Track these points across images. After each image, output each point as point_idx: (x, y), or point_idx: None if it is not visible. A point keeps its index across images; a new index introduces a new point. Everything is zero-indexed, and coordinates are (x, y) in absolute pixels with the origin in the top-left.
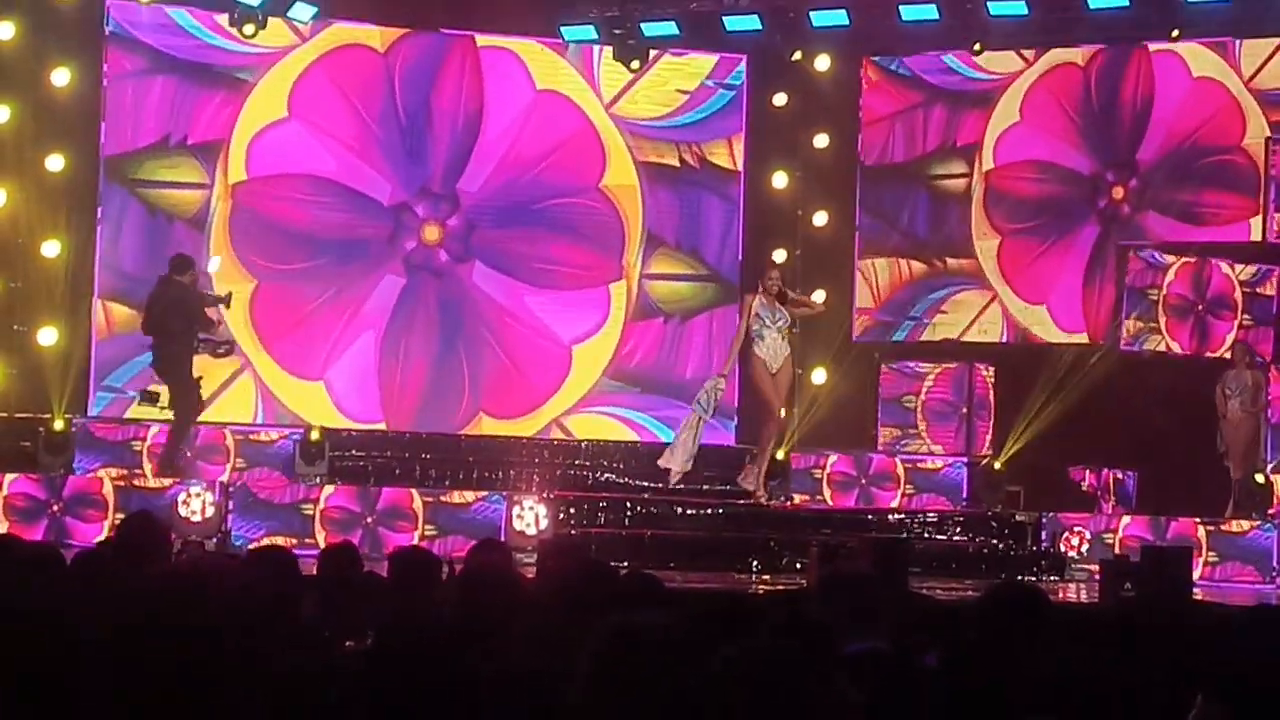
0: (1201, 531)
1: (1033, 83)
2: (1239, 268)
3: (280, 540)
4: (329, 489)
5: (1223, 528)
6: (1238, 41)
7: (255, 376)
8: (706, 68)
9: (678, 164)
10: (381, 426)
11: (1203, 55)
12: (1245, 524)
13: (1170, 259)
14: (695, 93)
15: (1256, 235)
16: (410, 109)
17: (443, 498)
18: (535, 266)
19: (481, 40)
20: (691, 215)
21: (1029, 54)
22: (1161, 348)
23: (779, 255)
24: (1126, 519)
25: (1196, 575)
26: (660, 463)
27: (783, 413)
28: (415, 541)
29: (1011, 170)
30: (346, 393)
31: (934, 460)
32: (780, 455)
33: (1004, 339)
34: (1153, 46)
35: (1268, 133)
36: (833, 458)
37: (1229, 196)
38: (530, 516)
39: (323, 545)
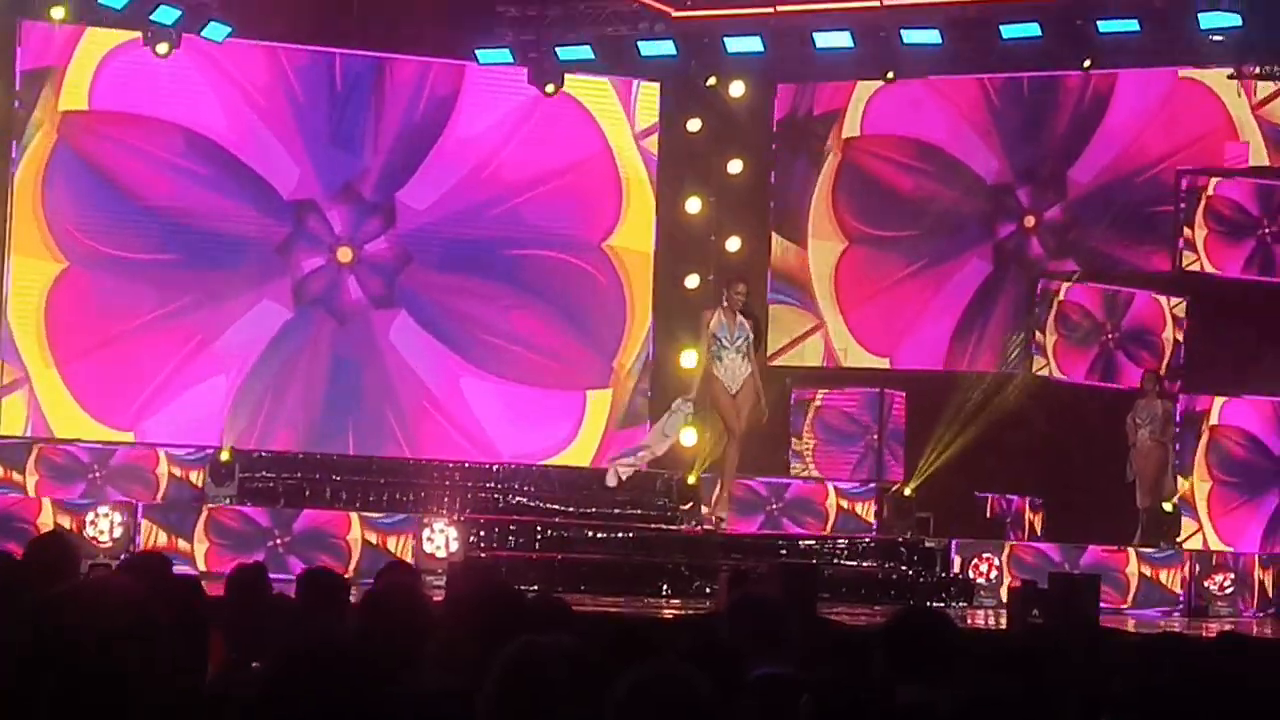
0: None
1: None
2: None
3: None
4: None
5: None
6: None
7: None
8: None
9: None
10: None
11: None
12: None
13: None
14: None
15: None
16: (350, 80)
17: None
18: (484, 339)
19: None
20: None
21: None
22: (1044, 372)
23: (691, 280)
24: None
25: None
26: (611, 476)
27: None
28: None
29: (882, 146)
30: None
31: (847, 486)
32: (691, 480)
33: (825, 363)
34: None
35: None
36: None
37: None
38: (440, 539)
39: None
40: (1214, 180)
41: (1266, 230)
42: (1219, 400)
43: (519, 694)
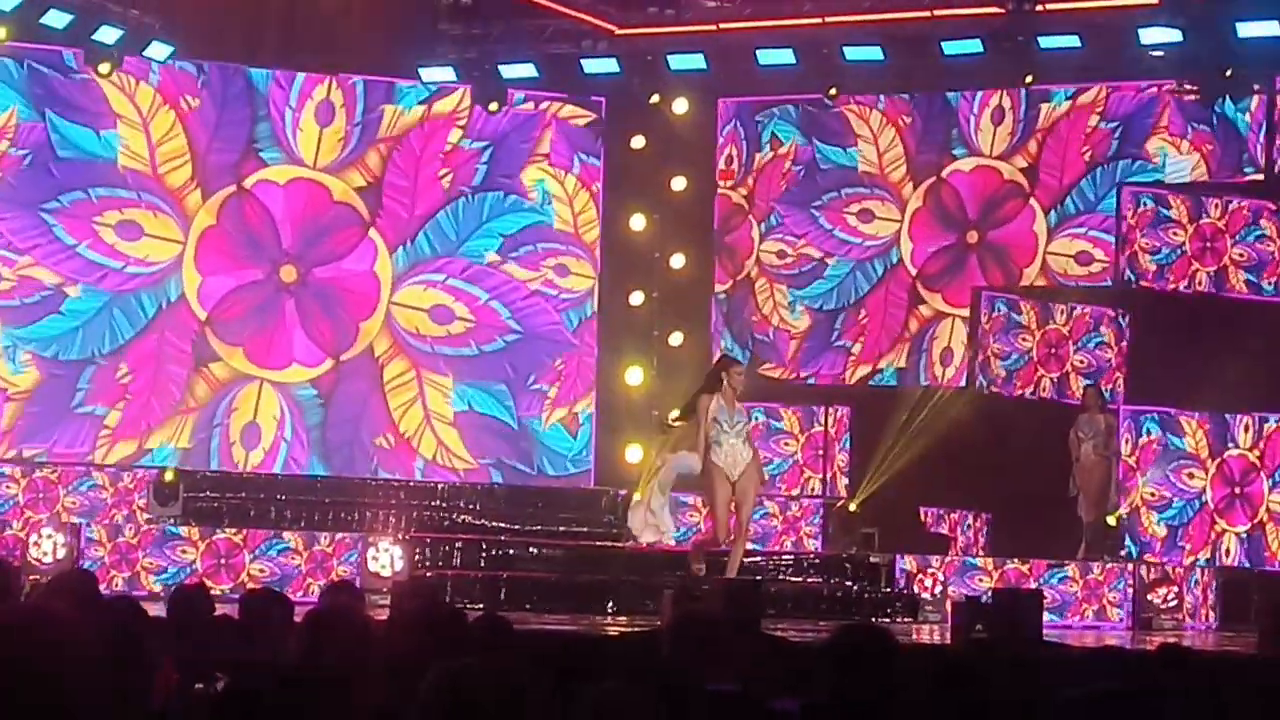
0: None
1: (910, 220)
2: (1059, 315)
3: None
4: None
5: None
6: (972, 136)
7: None
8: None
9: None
10: (260, 452)
11: (969, 161)
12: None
13: (1026, 344)
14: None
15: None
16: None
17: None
18: (335, 251)
19: (248, 183)
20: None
21: (896, 216)
22: (1048, 389)
23: (636, 297)
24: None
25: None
26: (641, 536)
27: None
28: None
29: (928, 261)
30: None
31: (796, 504)
32: (637, 496)
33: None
34: (945, 172)
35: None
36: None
37: (1013, 202)
38: (386, 558)
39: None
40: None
41: (1205, 245)
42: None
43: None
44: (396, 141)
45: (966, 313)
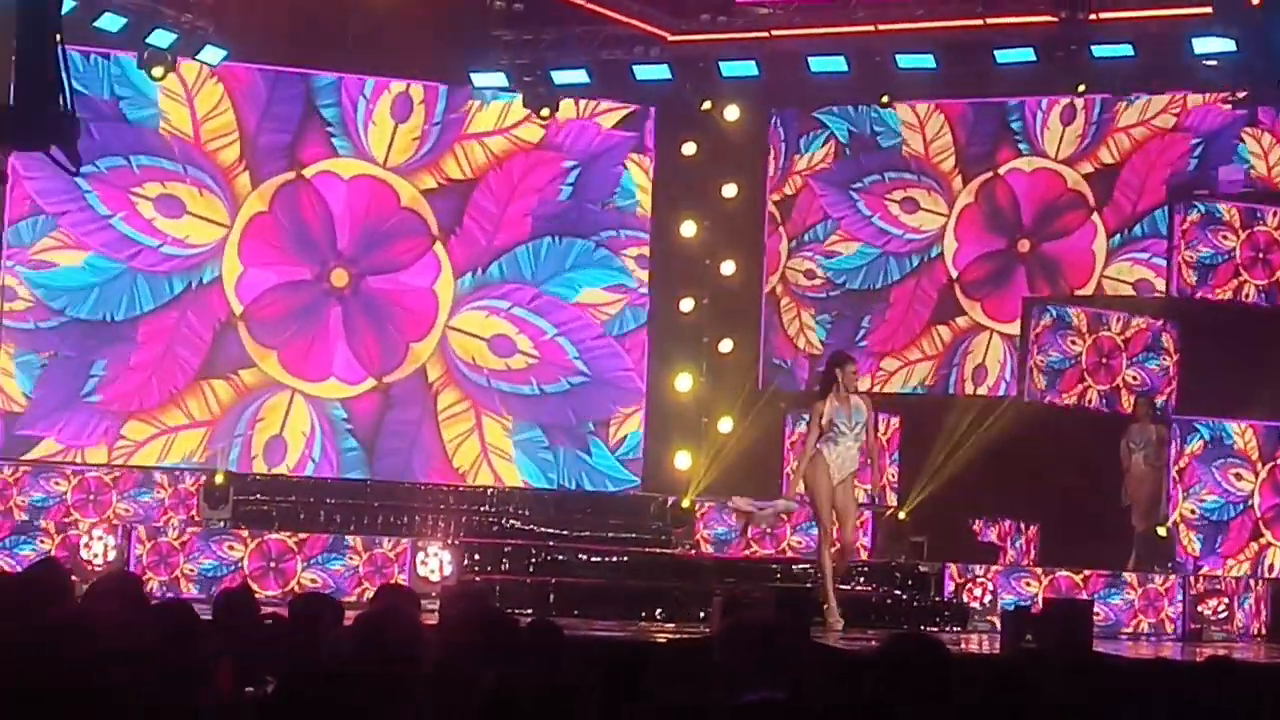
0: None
1: (955, 221)
2: (1114, 323)
3: None
4: None
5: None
6: (1039, 137)
7: None
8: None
9: (435, 185)
10: (284, 470)
11: (1027, 160)
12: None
13: (1077, 348)
14: (420, 136)
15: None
16: (299, 222)
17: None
18: (394, 261)
19: (308, 173)
20: (458, 203)
21: (944, 211)
22: (1095, 400)
23: (686, 304)
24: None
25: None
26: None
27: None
28: None
29: (967, 269)
30: None
31: None
32: (685, 503)
33: (1003, 374)
34: (1003, 170)
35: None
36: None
37: (1073, 214)
38: (435, 563)
39: None
40: (1203, 204)
41: (1258, 254)
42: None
43: None
44: (498, 162)
45: (1006, 328)
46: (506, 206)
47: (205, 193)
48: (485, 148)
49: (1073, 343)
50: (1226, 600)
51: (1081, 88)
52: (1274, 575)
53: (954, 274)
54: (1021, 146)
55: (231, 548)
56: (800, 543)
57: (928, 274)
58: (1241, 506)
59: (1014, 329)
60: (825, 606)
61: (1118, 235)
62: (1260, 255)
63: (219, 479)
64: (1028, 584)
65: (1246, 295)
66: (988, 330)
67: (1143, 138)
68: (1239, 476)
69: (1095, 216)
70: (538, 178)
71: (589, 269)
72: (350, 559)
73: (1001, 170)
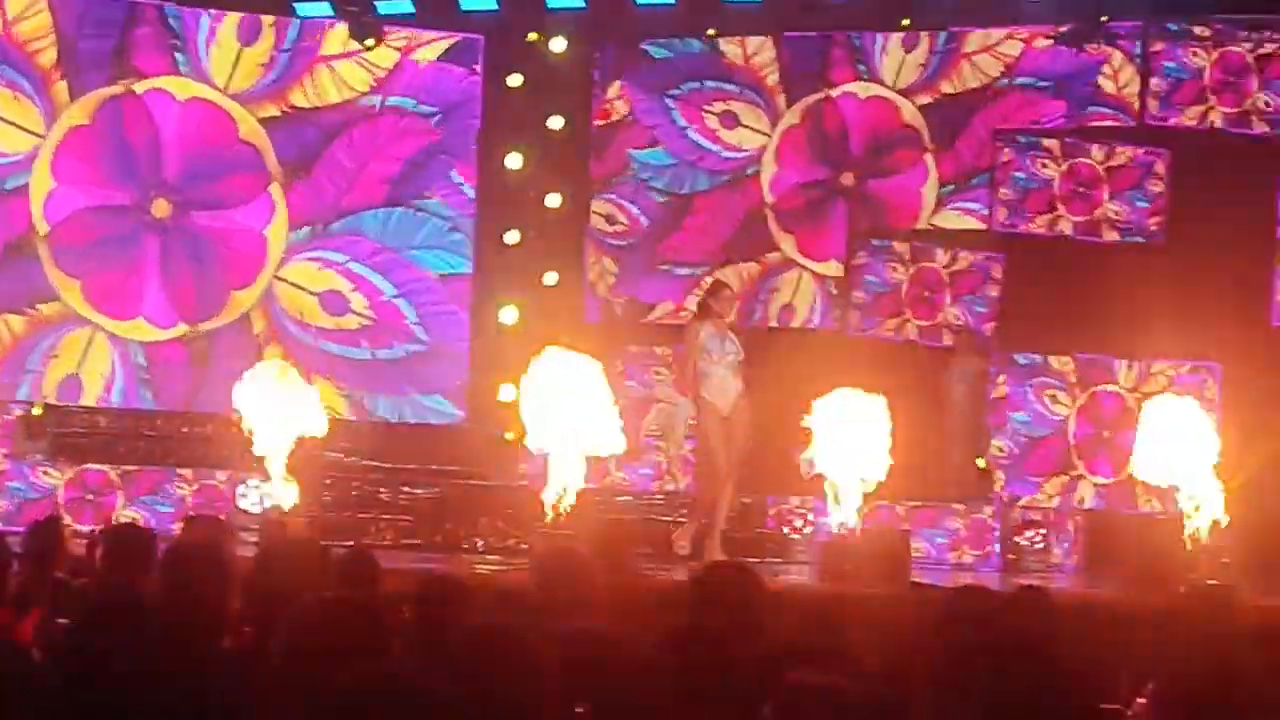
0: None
1: (777, 144)
2: (940, 255)
3: None
4: None
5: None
6: (877, 63)
7: None
8: (269, 41)
9: (278, 113)
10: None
11: (862, 85)
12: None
13: (898, 276)
14: (268, 63)
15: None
16: (120, 143)
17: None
18: (224, 196)
19: (139, 88)
20: (294, 138)
21: (766, 129)
22: (913, 334)
23: (511, 236)
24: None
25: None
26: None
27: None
28: None
29: (784, 196)
30: None
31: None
32: (509, 435)
33: (812, 314)
34: (834, 93)
35: (915, 111)
36: None
37: (904, 151)
38: (255, 495)
39: None
40: (1026, 140)
41: (1078, 189)
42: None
43: (302, 650)
44: (364, 117)
45: (819, 266)
46: (365, 166)
47: (20, 96)
48: (337, 77)
49: (894, 270)
50: (1043, 531)
51: (905, 22)
52: (1084, 508)
53: (769, 200)
54: (860, 68)
55: (46, 474)
56: (624, 479)
57: (741, 190)
58: (1052, 431)
59: (828, 269)
60: (710, 542)
61: (952, 185)
62: (1080, 190)
63: (36, 411)
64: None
65: (1061, 229)
66: (799, 269)
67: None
68: (1054, 399)
69: (928, 157)
70: (405, 146)
71: (440, 251)
72: (179, 490)
73: (834, 93)
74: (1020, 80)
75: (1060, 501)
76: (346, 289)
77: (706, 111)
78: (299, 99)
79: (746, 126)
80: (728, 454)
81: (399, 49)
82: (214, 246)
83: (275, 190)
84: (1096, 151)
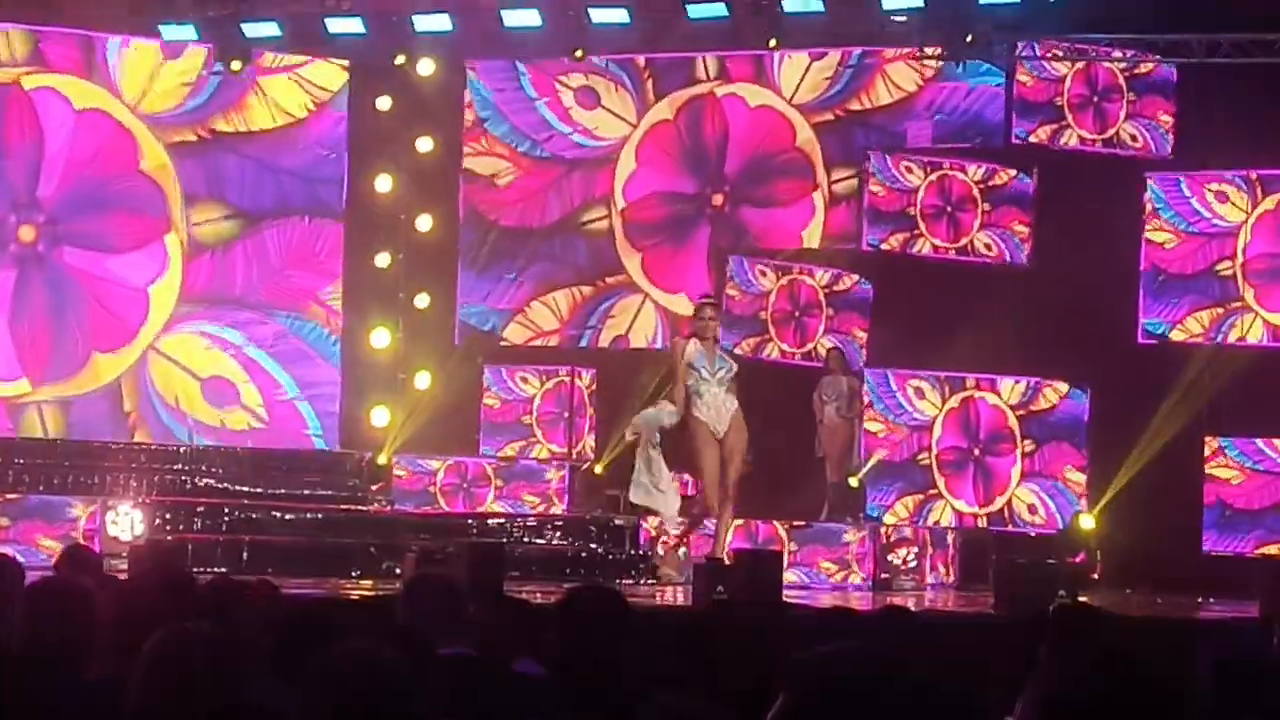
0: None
1: (641, 138)
2: (820, 273)
3: None
4: None
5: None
6: (777, 70)
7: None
8: (197, 62)
9: (195, 138)
10: None
11: (754, 90)
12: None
13: (767, 284)
14: (194, 83)
15: (819, 215)
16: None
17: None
18: (108, 239)
19: (28, 83)
20: (212, 173)
21: (631, 119)
22: (775, 355)
23: (382, 259)
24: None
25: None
26: (638, 501)
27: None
28: None
29: (639, 204)
30: None
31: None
32: (382, 459)
33: (656, 337)
34: (720, 90)
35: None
36: (442, 469)
37: (791, 182)
38: (125, 522)
39: None
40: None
41: (948, 208)
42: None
43: (159, 682)
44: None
45: (666, 299)
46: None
47: None
48: (269, 103)
49: (774, 308)
50: (916, 549)
51: (773, 42)
52: (942, 526)
53: (619, 204)
54: (756, 67)
55: None
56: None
57: (594, 181)
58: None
59: (675, 303)
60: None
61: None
62: (947, 208)
63: None
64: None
65: (920, 249)
66: (641, 295)
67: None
68: (921, 394)
69: (818, 195)
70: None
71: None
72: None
73: (720, 90)
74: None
75: (913, 515)
76: (240, 379)
77: (561, 84)
78: (224, 128)
79: (608, 110)
80: (723, 476)
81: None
82: (83, 293)
83: (171, 241)
84: (968, 171)
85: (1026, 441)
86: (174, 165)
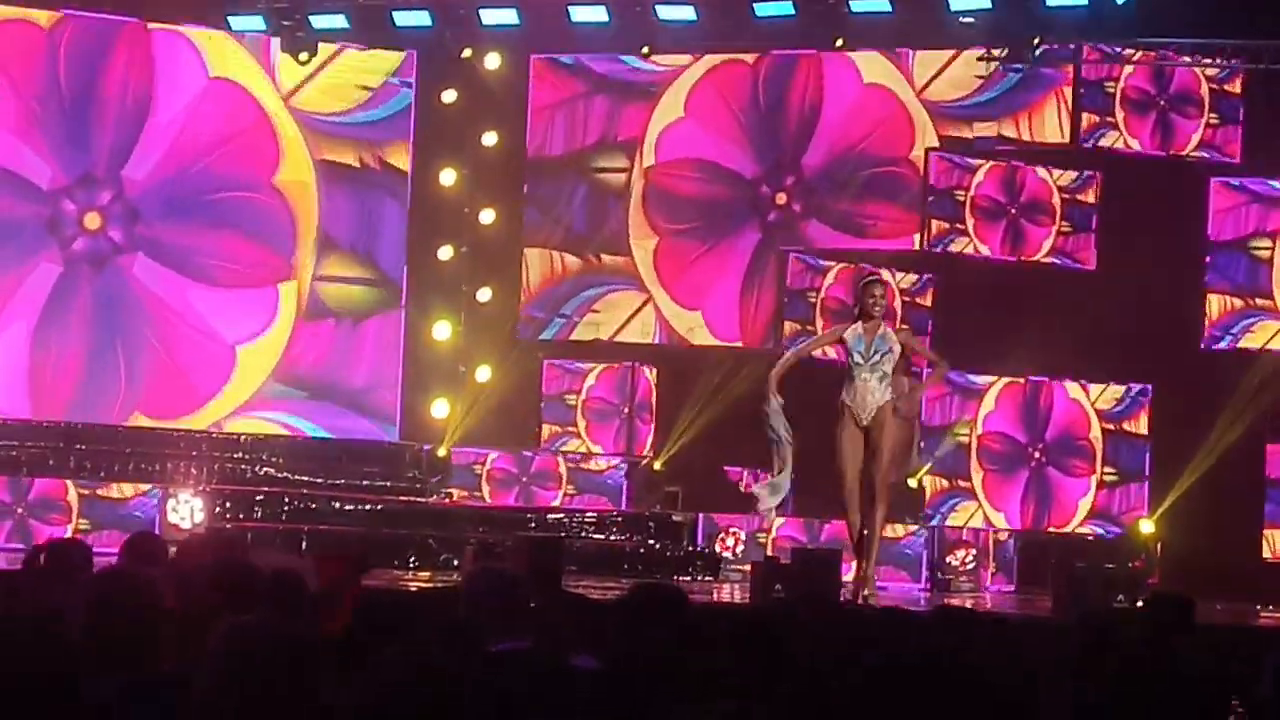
0: None
1: (699, 78)
2: (899, 275)
3: None
4: None
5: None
6: (912, 52)
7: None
8: (390, 64)
9: (357, 164)
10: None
11: (875, 62)
12: (900, 529)
13: (830, 263)
14: (378, 90)
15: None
16: (74, 90)
17: (99, 490)
18: (201, 261)
19: (153, 24)
20: (367, 218)
21: (694, 48)
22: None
23: (445, 252)
24: (780, 521)
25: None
26: (759, 502)
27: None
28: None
29: (673, 168)
30: None
31: (597, 461)
32: (442, 452)
33: (656, 341)
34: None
35: (934, 145)
36: (493, 455)
37: (891, 208)
38: (185, 510)
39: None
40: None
41: (1014, 211)
42: (982, 411)
43: (230, 677)
44: None
45: (674, 312)
46: None
47: None
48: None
49: (827, 294)
50: (974, 551)
51: (840, 42)
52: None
53: (646, 159)
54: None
55: None
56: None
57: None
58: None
59: (682, 321)
60: (865, 572)
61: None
62: (1015, 211)
63: None
64: (781, 535)
65: (1011, 251)
66: (642, 293)
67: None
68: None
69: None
70: None
71: None
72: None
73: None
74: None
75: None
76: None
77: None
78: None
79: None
80: (865, 470)
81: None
82: (146, 325)
83: (287, 292)
84: (1037, 173)
85: (1109, 470)
86: (319, 189)
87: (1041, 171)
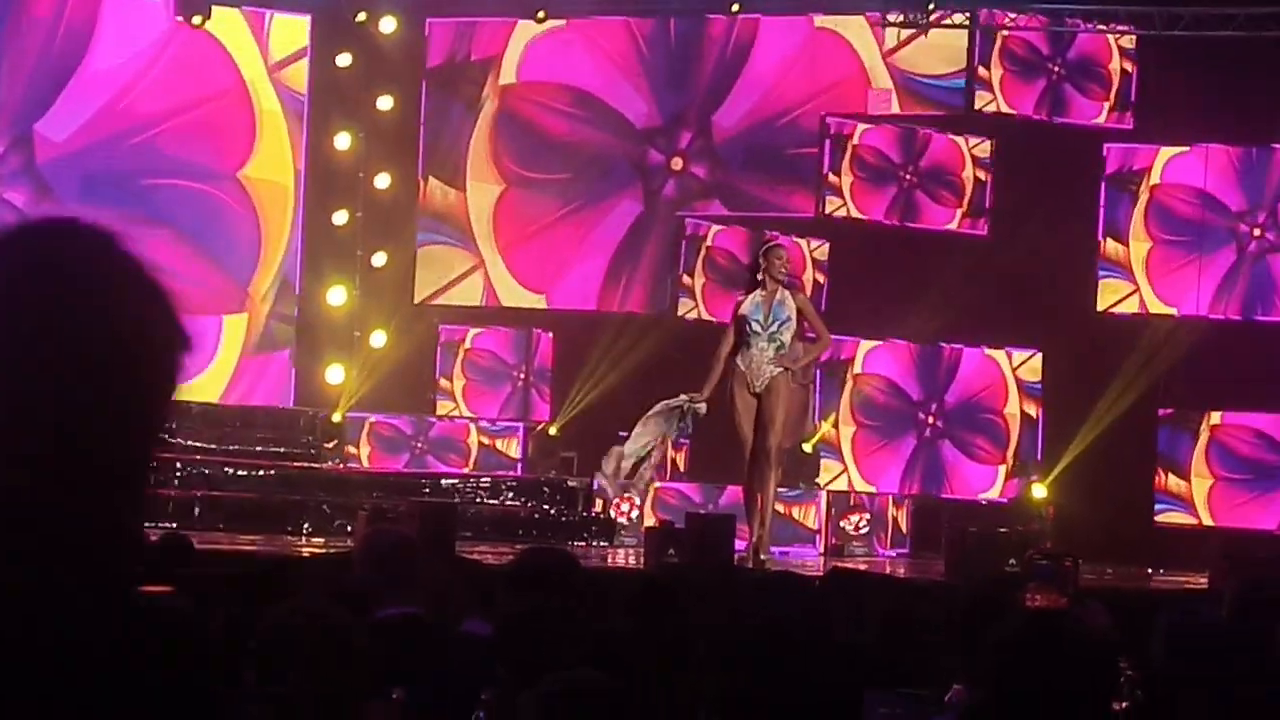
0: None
1: None
2: (812, 244)
3: None
4: None
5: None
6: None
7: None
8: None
9: None
10: None
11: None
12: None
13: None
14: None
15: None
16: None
17: None
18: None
19: None
20: None
21: None
22: (693, 315)
23: (340, 217)
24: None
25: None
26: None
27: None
28: None
29: (536, 91)
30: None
31: (493, 424)
32: (336, 417)
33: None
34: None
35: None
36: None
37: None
38: None
39: None
40: (860, 126)
41: (907, 177)
42: (862, 348)
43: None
44: None
45: (511, 288)
46: None
47: None
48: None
49: (729, 263)
50: (868, 516)
51: (735, 7)
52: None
53: (503, 77)
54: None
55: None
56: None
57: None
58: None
59: (521, 300)
60: (759, 535)
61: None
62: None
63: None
64: (676, 500)
65: (900, 216)
66: (471, 254)
67: None
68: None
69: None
70: None
71: None
72: None
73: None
74: None
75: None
76: None
77: None
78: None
79: None
80: (758, 437)
81: None
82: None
83: (232, 326)
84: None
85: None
86: (296, 192)
87: (957, 138)
